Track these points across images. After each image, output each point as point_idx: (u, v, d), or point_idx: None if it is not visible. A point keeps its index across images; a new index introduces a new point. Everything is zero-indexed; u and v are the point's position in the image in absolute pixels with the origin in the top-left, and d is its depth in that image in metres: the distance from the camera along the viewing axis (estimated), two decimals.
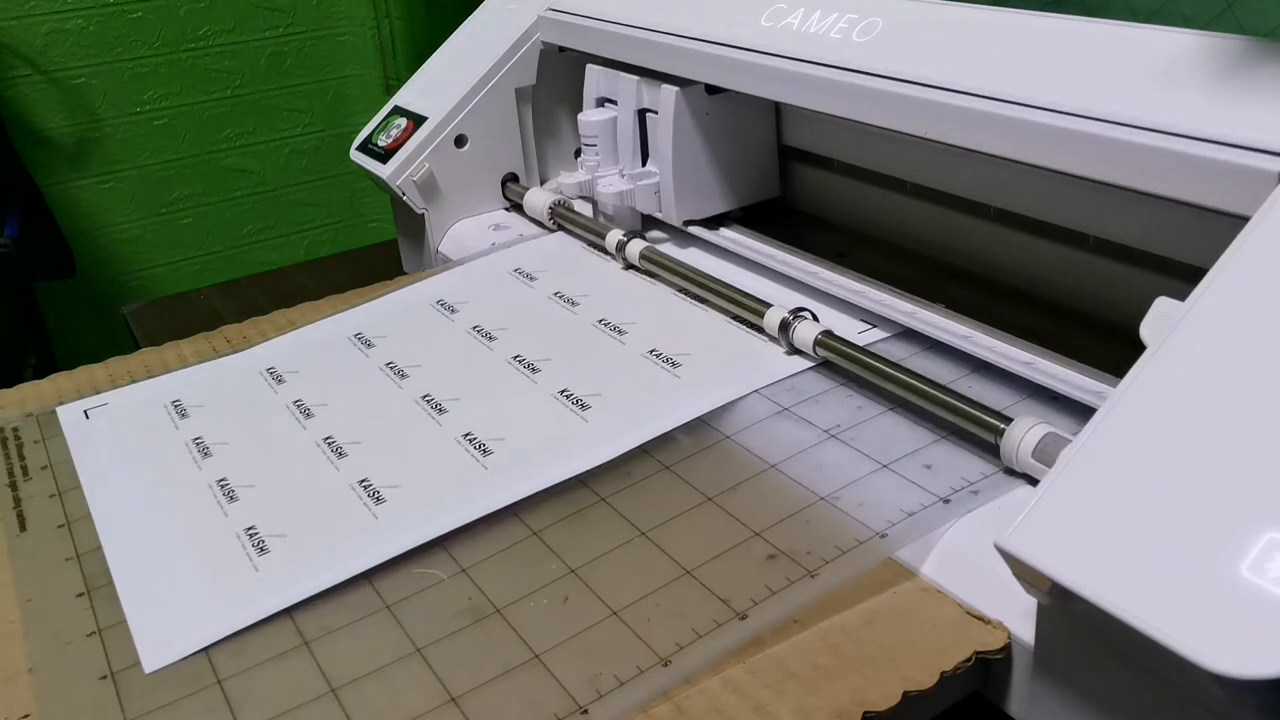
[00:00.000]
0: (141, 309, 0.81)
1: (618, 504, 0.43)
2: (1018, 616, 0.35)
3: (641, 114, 0.63)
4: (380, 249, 0.88)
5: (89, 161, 1.54)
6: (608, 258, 0.64)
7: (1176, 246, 0.46)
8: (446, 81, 0.72)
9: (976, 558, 0.36)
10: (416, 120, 0.71)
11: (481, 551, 0.41)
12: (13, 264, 1.31)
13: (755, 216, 0.65)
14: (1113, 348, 0.46)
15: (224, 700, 0.36)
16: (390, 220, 0.78)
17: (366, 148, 0.73)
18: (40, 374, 0.59)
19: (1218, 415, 0.30)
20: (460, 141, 0.71)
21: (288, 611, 0.40)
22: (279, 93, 1.65)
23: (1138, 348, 0.33)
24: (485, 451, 0.47)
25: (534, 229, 0.71)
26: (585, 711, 0.34)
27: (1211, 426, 0.30)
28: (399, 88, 0.76)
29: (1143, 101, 0.39)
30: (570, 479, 0.44)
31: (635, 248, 0.61)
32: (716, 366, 0.51)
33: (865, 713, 0.33)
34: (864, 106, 0.49)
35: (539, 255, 0.67)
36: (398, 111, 0.73)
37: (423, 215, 0.71)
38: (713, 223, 0.64)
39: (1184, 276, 0.44)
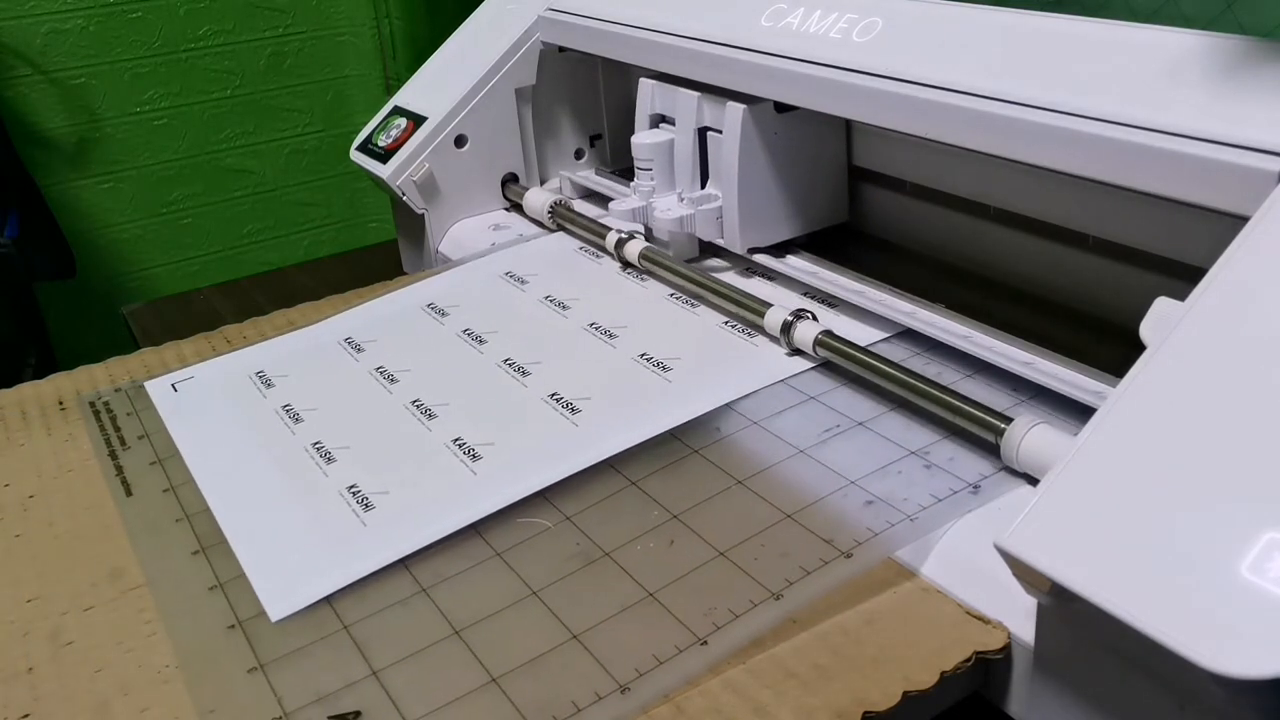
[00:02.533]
0: (141, 309, 0.81)
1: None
2: (1018, 616, 0.35)
3: (702, 132, 0.59)
4: (380, 249, 0.88)
5: (89, 161, 1.54)
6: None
7: (1176, 246, 0.46)
8: (446, 81, 0.72)
9: (976, 558, 0.36)
10: (416, 120, 0.71)
11: (583, 501, 0.43)
12: (13, 264, 1.31)
13: (821, 243, 0.61)
14: (1113, 348, 0.46)
15: (353, 643, 0.37)
16: (390, 220, 0.78)
17: (366, 148, 0.73)
18: (40, 374, 0.59)
19: (1217, 415, 0.30)
20: (460, 141, 0.71)
21: (402, 562, 0.41)
22: (279, 93, 1.65)
23: (1138, 348, 0.33)
24: (573, 410, 0.48)
25: (534, 229, 0.71)
26: (705, 643, 0.35)
27: (1211, 426, 0.30)
28: (399, 88, 0.76)
29: (1142, 101, 0.39)
30: (661, 434, 0.46)
31: (635, 247, 0.61)
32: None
33: (865, 713, 0.33)
34: (864, 106, 0.49)
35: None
36: (398, 111, 0.73)
37: (423, 215, 0.71)
38: (778, 250, 0.60)
39: (1184, 276, 0.44)
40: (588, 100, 0.76)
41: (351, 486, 0.46)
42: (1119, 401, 0.32)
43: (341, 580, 0.40)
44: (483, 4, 0.77)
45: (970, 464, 0.42)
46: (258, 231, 1.71)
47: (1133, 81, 0.40)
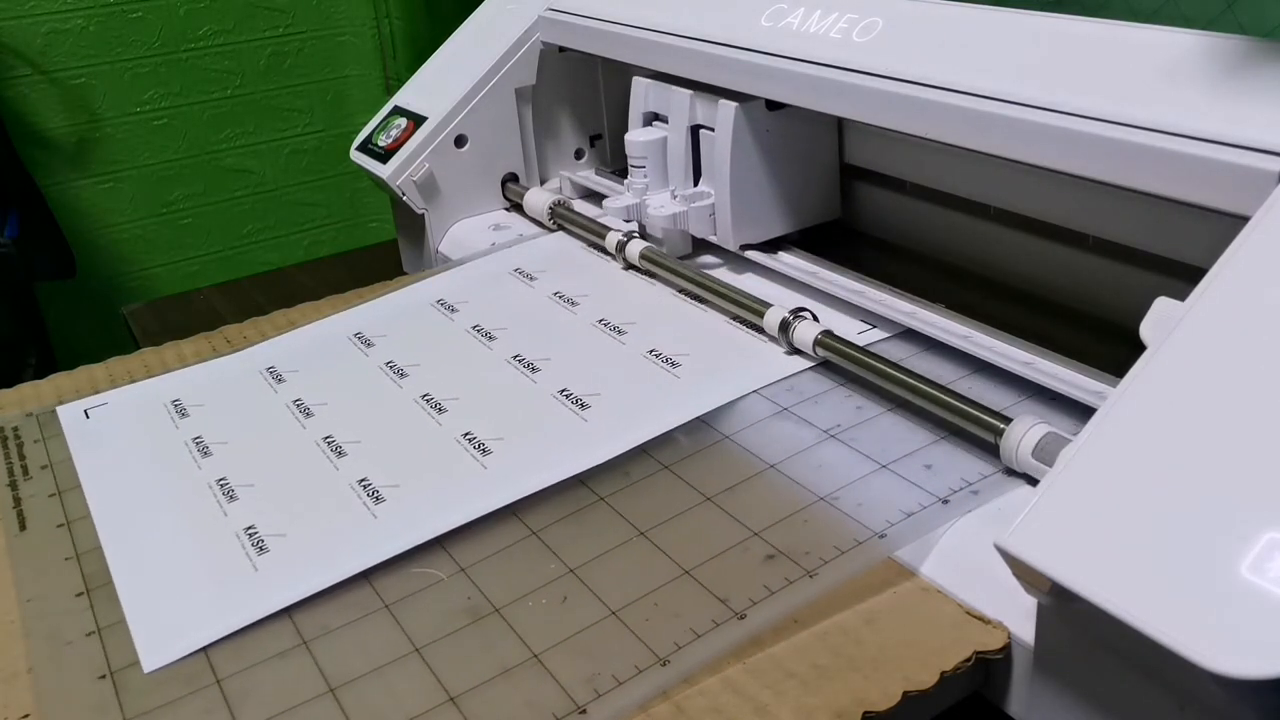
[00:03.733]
0: (141, 309, 0.81)
1: (617, 503, 0.43)
2: (1018, 616, 0.35)
3: (694, 130, 0.59)
4: (380, 249, 0.88)
5: (89, 161, 1.54)
6: (607, 257, 0.64)
7: (1176, 246, 0.46)
8: (446, 81, 0.72)
9: (976, 558, 0.36)
10: (416, 120, 0.71)
11: (481, 551, 0.42)
12: (13, 264, 1.31)
13: (813, 239, 0.60)
14: (1113, 348, 0.46)
15: (223, 699, 0.36)
16: (390, 220, 0.78)
17: (366, 148, 0.73)
18: (40, 374, 0.59)
19: (1217, 415, 0.30)
20: (460, 141, 0.71)
21: (287, 611, 0.40)
22: (279, 93, 1.65)
23: (1138, 348, 0.33)
24: (484, 451, 0.47)
25: (534, 229, 0.71)
26: (584, 711, 0.34)
27: (1211, 426, 0.30)
28: (399, 88, 0.76)
29: (1142, 101, 0.39)
30: (569, 479, 0.44)
31: (635, 248, 0.61)
32: (715, 367, 0.51)
33: (865, 713, 0.33)
34: (863, 106, 0.49)
35: (539, 255, 0.67)
36: (398, 111, 0.73)
37: (423, 215, 0.71)
38: (770, 247, 0.60)
39: (1184, 276, 0.44)
40: (588, 100, 0.76)
41: (249, 527, 0.44)
42: (1119, 401, 0.32)
43: (222, 630, 0.39)
44: (483, 4, 0.77)
45: (970, 464, 0.42)
46: (258, 231, 1.71)
47: (1133, 81, 0.40)
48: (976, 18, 0.48)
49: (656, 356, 0.52)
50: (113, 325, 0.93)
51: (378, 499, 0.45)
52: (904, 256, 0.60)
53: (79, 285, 1.52)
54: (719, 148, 0.57)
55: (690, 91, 0.58)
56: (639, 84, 0.62)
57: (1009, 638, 0.35)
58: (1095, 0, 0.68)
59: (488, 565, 0.41)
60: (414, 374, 0.54)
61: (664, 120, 0.61)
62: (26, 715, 0.36)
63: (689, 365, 0.51)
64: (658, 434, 0.46)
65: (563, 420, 0.48)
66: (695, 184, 0.60)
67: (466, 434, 0.48)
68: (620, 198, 0.62)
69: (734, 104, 0.56)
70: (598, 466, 0.45)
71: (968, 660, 0.34)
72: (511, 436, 0.48)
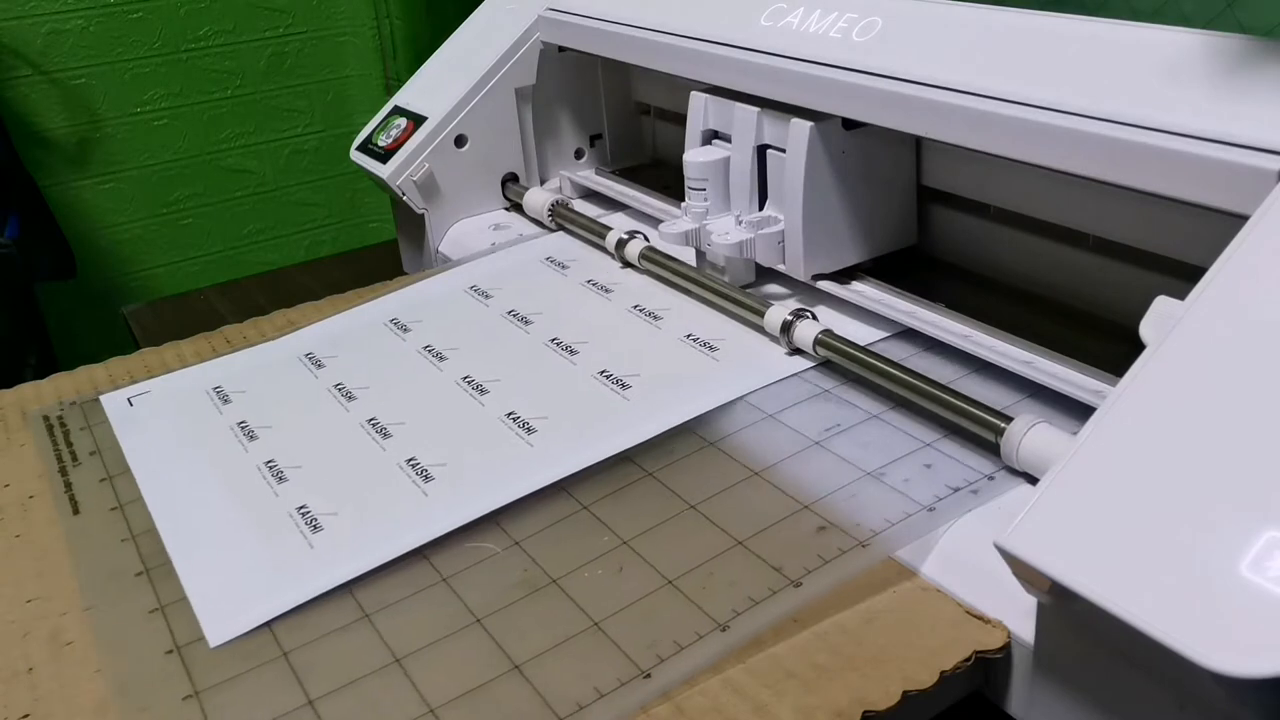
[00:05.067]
0: (141, 309, 0.81)
1: (664, 478, 0.44)
2: (1018, 616, 0.35)
3: (761, 150, 0.55)
4: (380, 249, 0.88)
5: (89, 161, 1.54)
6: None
7: (1176, 246, 0.46)
8: (446, 81, 0.72)
9: (976, 557, 0.36)
10: (416, 120, 0.71)
11: (533, 525, 0.42)
12: (13, 264, 1.31)
13: (887, 267, 0.56)
14: (1113, 347, 0.46)
15: (290, 671, 0.37)
16: (390, 220, 0.78)
17: (366, 148, 0.73)
18: (40, 374, 0.59)
19: (1217, 414, 0.30)
20: (460, 141, 0.71)
21: (346, 586, 0.40)
22: (279, 93, 1.65)
23: (1138, 347, 0.33)
24: (529, 430, 0.48)
25: (534, 229, 0.71)
26: (648, 675, 0.35)
27: (1211, 425, 0.30)
28: (399, 88, 0.76)
29: (1143, 101, 0.39)
30: (614, 456, 0.45)
31: (635, 247, 0.61)
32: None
33: (865, 712, 0.33)
34: (863, 106, 0.49)
35: (569, 246, 0.67)
36: (398, 111, 0.73)
37: (423, 215, 0.71)
38: (842, 276, 0.55)
39: (1184, 276, 0.44)
40: (588, 100, 0.76)
41: (301, 507, 0.45)
42: (1119, 400, 0.32)
43: (283, 605, 0.40)
44: (483, 4, 0.77)
45: (970, 463, 0.42)
46: (258, 231, 1.71)
47: (1133, 81, 0.40)
48: (977, 18, 0.48)
49: (694, 341, 0.53)
50: (113, 325, 0.93)
51: (427, 477, 0.45)
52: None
53: (79, 285, 1.52)
54: (790, 170, 0.52)
55: (757, 109, 0.54)
56: (697, 99, 0.58)
57: (1009, 637, 0.35)
58: (1095, 0, 0.69)
59: (541, 539, 0.41)
60: (453, 357, 0.55)
61: (725, 138, 0.57)
62: (26, 715, 0.36)
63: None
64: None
65: (605, 400, 0.49)
66: (760, 208, 0.56)
67: (510, 414, 0.49)
68: (677, 222, 0.58)
69: (809, 123, 0.51)
70: (642, 444, 0.46)
71: (967, 660, 0.34)
72: (555, 415, 0.49)
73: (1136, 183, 0.39)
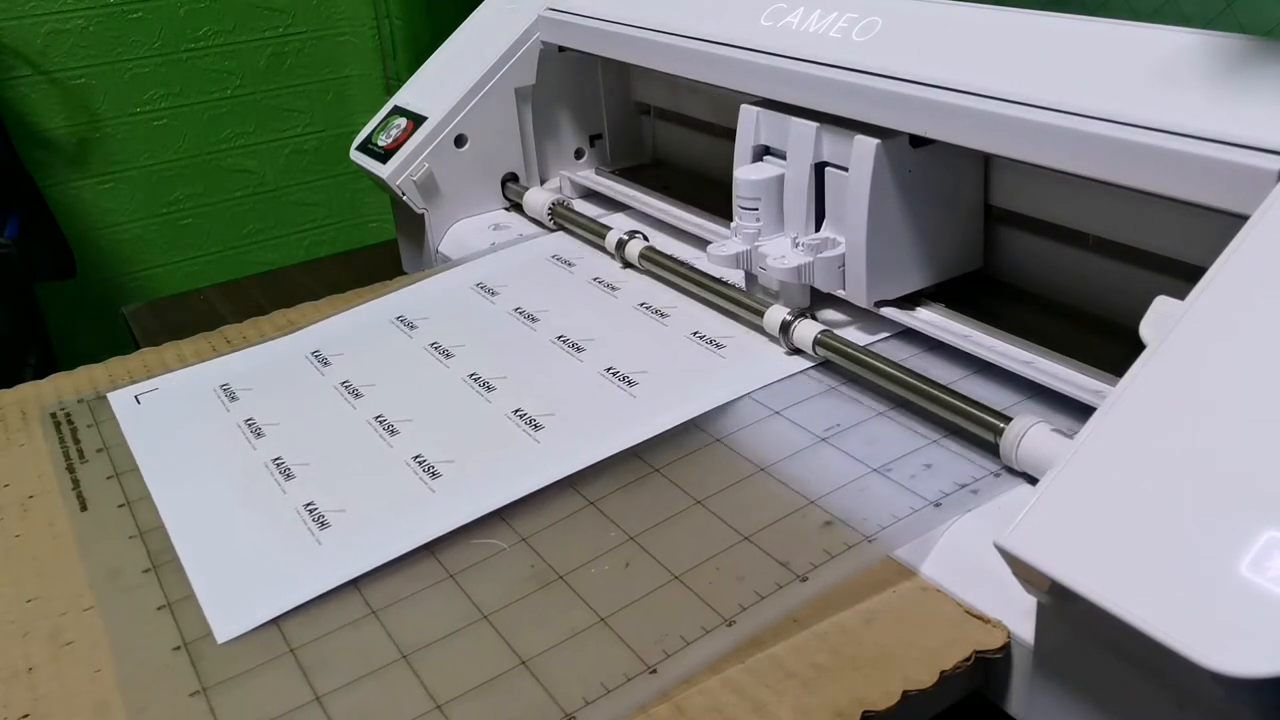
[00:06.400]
0: (141, 309, 0.81)
1: (671, 474, 0.44)
2: (1018, 616, 0.35)
3: (819, 168, 0.52)
4: (380, 249, 0.88)
5: (89, 161, 1.54)
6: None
7: (1176, 246, 0.46)
8: (446, 81, 0.72)
9: (976, 557, 0.36)
10: (416, 120, 0.71)
11: (541, 522, 0.42)
12: (13, 264, 1.31)
13: (951, 292, 0.53)
14: (1113, 347, 0.46)
15: (298, 667, 0.37)
16: (390, 220, 0.78)
17: (366, 148, 0.73)
18: (40, 374, 0.59)
19: (1217, 414, 0.30)
20: (460, 141, 0.71)
21: (354, 583, 0.40)
22: (279, 93, 1.65)
23: (1138, 347, 0.33)
24: (536, 427, 0.48)
25: (534, 229, 0.71)
26: (654, 671, 0.35)
27: (1211, 425, 0.30)
28: (399, 88, 0.76)
29: (1143, 100, 0.39)
30: (622, 451, 0.45)
31: (635, 247, 0.61)
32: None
33: (865, 712, 0.33)
34: (863, 106, 0.49)
35: (573, 243, 0.67)
36: (398, 111, 0.73)
37: (423, 215, 0.71)
38: (906, 302, 0.52)
39: (1184, 276, 0.44)
40: (588, 100, 0.76)
41: (309, 504, 0.45)
42: (1118, 401, 0.32)
43: (291, 602, 0.40)
44: (483, 4, 0.77)
45: (970, 463, 0.42)
46: (258, 231, 1.71)
47: (1133, 81, 0.40)
48: (977, 17, 0.48)
49: (701, 339, 0.53)
50: (113, 325, 0.93)
51: (434, 474, 0.46)
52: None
53: (79, 285, 1.52)
54: (854, 190, 0.49)
55: (816, 124, 0.51)
56: (748, 113, 0.54)
57: (1008, 637, 0.35)
58: (1095, 0, 0.69)
59: (549, 535, 0.42)
60: (459, 354, 0.55)
61: (777, 154, 0.54)
62: (26, 715, 0.36)
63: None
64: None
65: (611, 397, 0.49)
66: (816, 229, 0.52)
67: (517, 410, 0.49)
68: (727, 244, 0.54)
69: (874, 140, 0.48)
70: (649, 440, 0.46)
71: (967, 660, 0.34)
72: (562, 412, 0.49)
73: (1136, 183, 0.39)
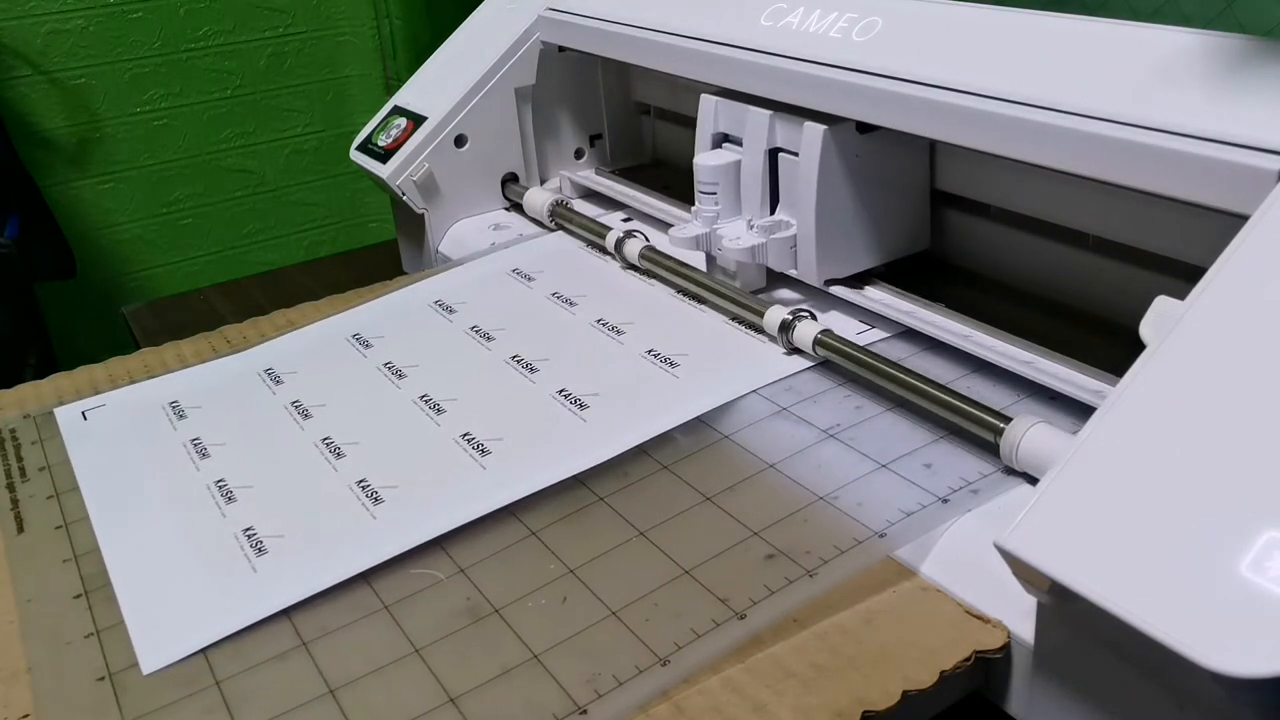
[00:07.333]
0: (141, 309, 0.81)
1: (616, 504, 0.43)
2: (1018, 616, 0.35)
3: (773, 154, 0.54)
4: (380, 249, 0.88)
5: (89, 161, 1.54)
6: (606, 257, 0.64)
7: (1176, 246, 0.46)
8: (446, 81, 0.72)
9: (976, 557, 0.36)
10: (416, 120, 0.71)
11: (480, 552, 0.41)
12: (13, 264, 1.31)
13: (899, 273, 0.55)
14: (1113, 347, 0.46)
15: (222, 701, 0.36)
16: (390, 220, 0.78)
17: (366, 148, 0.73)
18: (40, 374, 0.59)
19: (1217, 414, 0.30)
20: (460, 141, 0.71)
21: (286, 612, 0.40)
22: (279, 93, 1.65)
23: (1138, 347, 0.33)
24: (483, 451, 0.47)
25: (534, 229, 0.71)
26: (584, 711, 0.34)
27: (1211, 425, 0.30)
28: (399, 88, 0.76)
29: (1143, 100, 0.39)
30: (568, 479, 0.44)
31: (634, 247, 0.61)
32: (715, 366, 0.51)
33: (865, 712, 0.33)
34: (862, 106, 0.49)
35: (538, 255, 0.67)
36: (398, 111, 0.73)
37: (423, 215, 0.71)
38: (855, 281, 0.54)
39: (1184, 276, 0.44)
40: (588, 100, 0.76)
41: (248, 529, 0.44)
42: (1118, 401, 0.32)
43: (221, 632, 0.39)
44: (483, 4, 0.77)
45: (969, 463, 0.42)
46: (258, 231, 1.71)
47: (1133, 80, 0.40)
48: (977, 17, 0.48)
49: (655, 356, 0.52)
50: (113, 325, 0.93)
51: (376, 500, 0.45)
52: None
53: (79, 285, 1.52)
54: (803, 174, 0.52)
55: (769, 112, 0.53)
56: (707, 102, 0.57)
57: (1009, 637, 0.35)
58: (1095, 0, 0.69)
59: (487, 566, 0.41)
60: (412, 374, 0.54)
61: (735, 141, 0.56)
62: (26, 715, 0.36)
63: (687, 365, 0.51)
64: (657, 434, 0.46)
65: (562, 421, 0.48)
66: (772, 212, 0.55)
67: (465, 434, 0.48)
68: (688, 227, 0.57)
69: (821, 126, 0.50)
70: (597, 467, 0.45)
71: (967, 660, 0.34)
72: (510, 437, 0.48)
73: (1136, 183, 0.39)
